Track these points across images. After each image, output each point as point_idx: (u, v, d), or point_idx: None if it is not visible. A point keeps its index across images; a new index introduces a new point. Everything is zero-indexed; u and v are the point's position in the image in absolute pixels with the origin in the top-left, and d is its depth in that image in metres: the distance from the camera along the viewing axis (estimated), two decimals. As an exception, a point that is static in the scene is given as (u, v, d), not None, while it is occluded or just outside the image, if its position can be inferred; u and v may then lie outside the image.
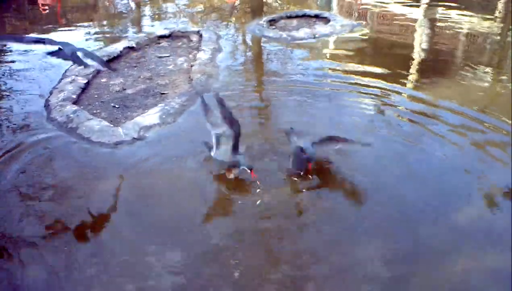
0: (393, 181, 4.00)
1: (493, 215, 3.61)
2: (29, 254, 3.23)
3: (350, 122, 4.96)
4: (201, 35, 7.53)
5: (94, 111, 5.18)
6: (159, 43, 7.35)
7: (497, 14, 9.57)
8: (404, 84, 5.93)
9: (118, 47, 6.86)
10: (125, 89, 5.72)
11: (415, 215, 3.59)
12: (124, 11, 9.78)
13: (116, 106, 5.31)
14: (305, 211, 3.65)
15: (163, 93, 5.62)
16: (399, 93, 5.67)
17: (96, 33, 8.20)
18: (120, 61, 6.60)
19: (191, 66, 6.33)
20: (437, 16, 9.23)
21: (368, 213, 3.60)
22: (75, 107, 5.11)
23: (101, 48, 7.11)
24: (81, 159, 4.30)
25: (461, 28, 8.42)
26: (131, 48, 6.96)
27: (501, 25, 8.75)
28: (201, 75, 5.99)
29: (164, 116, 4.96)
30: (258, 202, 3.67)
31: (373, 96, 5.53)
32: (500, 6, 10.17)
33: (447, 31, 8.27)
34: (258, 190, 3.81)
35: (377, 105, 5.34)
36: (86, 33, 8.10)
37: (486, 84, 6.01)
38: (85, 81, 5.83)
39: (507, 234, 3.33)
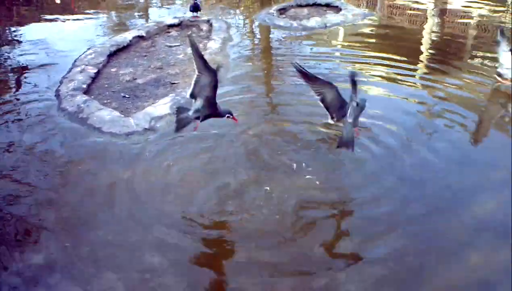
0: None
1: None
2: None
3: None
4: (211, 24, 7.46)
5: (105, 101, 5.13)
6: (169, 32, 7.29)
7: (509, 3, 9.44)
8: (412, 73, 5.87)
9: (127, 36, 6.80)
10: (135, 79, 5.67)
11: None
12: (133, -1, 9.72)
13: (127, 96, 5.26)
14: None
15: (174, 83, 5.57)
16: (414, 83, 5.61)
17: (105, 22, 8.15)
18: (130, 51, 6.55)
19: (202, 55, 6.26)
20: (448, 5, 9.10)
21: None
22: (85, 97, 5.07)
23: (110, 37, 7.05)
24: (91, 150, 4.27)
25: (473, 17, 8.31)
26: (140, 38, 6.90)
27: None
28: (211, 65, 5.90)
29: (175, 106, 4.90)
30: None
31: (386, 81, 5.46)
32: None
33: (458, 21, 8.16)
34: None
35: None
36: (95, 23, 8.05)
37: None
38: (95, 70, 5.78)
39: None
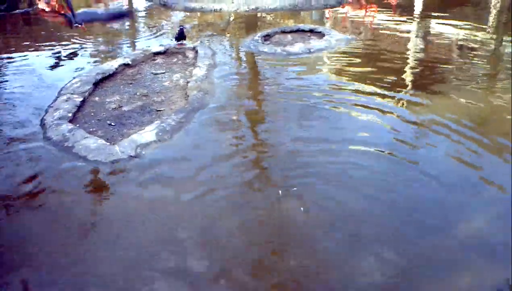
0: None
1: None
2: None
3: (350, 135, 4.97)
4: (196, 51, 7.55)
5: (90, 129, 5.16)
6: (155, 60, 7.36)
7: (489, 25, 9.69)
8: (397, 94, 5.97)
9: (113, 64, 6.86)
10: (121, 106, 5.71)
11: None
12: (120, 27, 9.80)
13: (112, 124, 5.29)
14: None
15: (159, 110, 5.61)
16: (393, 103, 5.71)
17: (92, 49, 8.20)
18: (116, 79, 6.59)
19: (187, 82, 6.34)
20: (430, 28, 9.30)
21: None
22: (71, 125, 5.09)
23: (97, 65, 7.10)
24: (76, 179, 4.28)
25: (454, 39, 8.50)
26: (126, 65, 6.96)
27: (494, 36, 8.84)
28: (197, 92, 5.99)
29: (160, 133, 4.94)
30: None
31: (371, 109, 5.56)
32: (491, 17, 10.29)
33: (440, 43, 8.35)
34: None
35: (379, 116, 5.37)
36: (83, 50, 8.10)
37: (482, 97, 6.03)
38: (81, 99, 5.81)
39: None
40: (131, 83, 6.44)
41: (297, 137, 4.96)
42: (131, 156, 4.55)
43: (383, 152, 4.66)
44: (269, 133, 5.21)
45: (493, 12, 11.04)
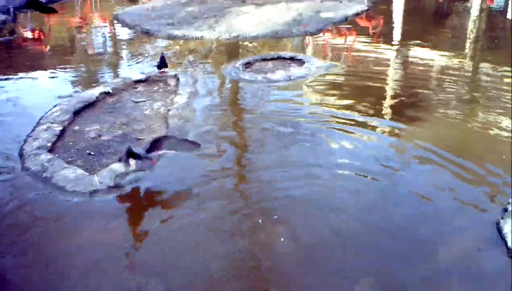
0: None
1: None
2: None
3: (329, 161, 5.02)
4: (178, 79, 7.59)
5: (69, 159, 5.13)
6: (136, 88, 7.37)
7: (466, 52, 9.93)
8: (379, 120, 6.06)
9: (94, 93, 6.85)
10: (100, 135, 5.70)
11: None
12: (101, 54, 9.82)
13: (92, 153, 5.27)
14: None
15: (140, 139, 5.62)
16: (374, 128, 5.81)
17: (72, 77, 8.19)
18: (96, 107, 6.58)
19: (168, 110, 6.36)
20: (409, 55, 9.48)
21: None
22: (49, 155, 5.07)
23: (77, 93, 7.09)
24: (53, 211, 4.25)
25: (432, 65, 8.69)
26: (107, 94, 6.95)
27: (471, 62, 9.04)
28: (178, 120, 6.01)
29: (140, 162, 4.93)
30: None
31: (352, 134, 5.64)
32: (468, 44, 10.55)
33: (419, 69, 8.52)
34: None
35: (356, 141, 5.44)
36: (64, 78, 8.09)
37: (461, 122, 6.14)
38: (61, 128, 5.78)
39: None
40: (111, 112, 6.44)
41: (278, 164, 5.00)
42: (110, 186, 4.53)
43: (364, 176, 4.74)
44: (250, 160, 5.25)
45: (469, 39, 11.31)
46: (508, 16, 10.81)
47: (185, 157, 5.19)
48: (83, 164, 5.05)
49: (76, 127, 5.96)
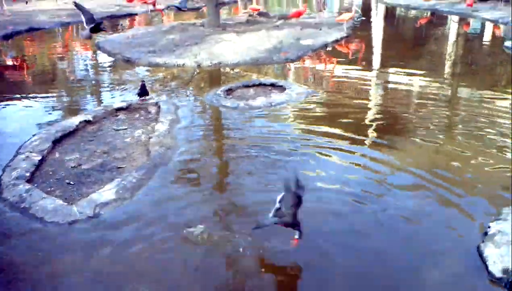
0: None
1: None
2: None
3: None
4: (159, 106, 7.58)
5: (48, 189, 5.06)
6: (117, 116, 7.34)
7: (445, 76, 10.12)
8: (360, 145, 6.11)
9: (74, 121, 6.80)
10: (80, 164, 5.63)
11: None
12: (83, 82, 9.77)
13: (71, 183, 5.21)
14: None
15: (120, 167, 5.57)
16: (354, 153, 5.86)
17: (53, 105, 8.13)
18: (76, 136, 6.53)
19: (149, 138, 6.33)
20: (389, 79, 9.62)
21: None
22: (28, 185, 4.99)
23: (57, 121, 7.03)
24: (30, 242, 4.16)
25: (412, 89, 8.84)
26: (87, 122, 6.91)
27: (449, 87, 9.21)
28: (159, 147, 5.98)
29: (121, 191, 4.89)
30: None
31: (333, 158, 5.66)
32: (447, 69, 10.76)
33: (399, 93, 8.65)
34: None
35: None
36: (45, 106, 8.03)
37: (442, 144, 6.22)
38: (40, 157, 5.71)
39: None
40: (91, 140, 6.39)
41: (260, 190, 4.99)
42: (89, 217, 4.47)
43: (348, 200, 4.77)
44: (232, 188, 5.23)
45: (448, 63, 11.55)
46: (508, 44, 11.07)
47: (167, 185, 5.16)
48: (62, 193, 4.97)
49: (56, 157, 5.89)
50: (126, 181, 5.11)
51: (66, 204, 4.67)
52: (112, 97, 8.50)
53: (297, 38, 12.09)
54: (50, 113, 7.61)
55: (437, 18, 17.48)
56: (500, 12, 16.39)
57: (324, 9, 17.44)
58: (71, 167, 5.58)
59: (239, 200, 4.92)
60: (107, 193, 4.86)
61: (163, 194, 4.98)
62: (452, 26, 16.57)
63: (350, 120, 7.11)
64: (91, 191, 4.98)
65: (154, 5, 15.97)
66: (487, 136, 6.43)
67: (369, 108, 7.79)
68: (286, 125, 7.04)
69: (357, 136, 6.44)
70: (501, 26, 15.31)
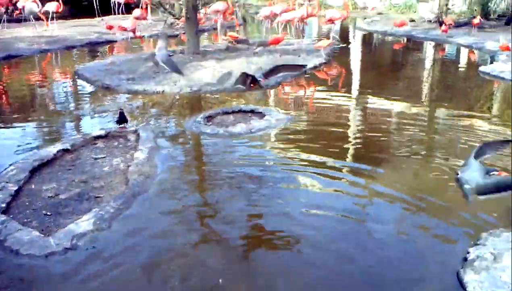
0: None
1: None
2: None
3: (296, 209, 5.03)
4: (138, 134, 7.54)
5: (25, 220, 4.97)
6: (96, 144, 7.28)
7: (422, 100, 10.33)
8: (340, 171, 6.15)
9: (52, 150, 6.72)
10: (58, 194, 5.56)
11: None
12: (61, 110, 9.70)
13: (48, 213, 5.13)
14: None
15: (98, 197, 5.51)
16: (334, 177, 5.90)
17: (30, 134, 8.04)
18: (54, 165, 6.45)
19: (128, 166, 6.29)
20: (368, 104, 9.76)
21: None
22: (3, 217, 4.89)
23: (35, 150, 6.94)
24: (5, 276, 4.07)
25: (391, 114, 8.98)
26: (65, 151, 6.83)
27: (428, 111, 9.39)
28: (138, 176, 5.94)
29: (98, 222, 4.83)
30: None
31: (314, 183, 5.71)
32: (424, 94, 10.97)
33: (378, 118, 8.77)
34: None
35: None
36: (20, 135, 7.93)
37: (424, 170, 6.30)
38: (16, 187, 5.62)
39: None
40: (69, 169, 6.32)
41: (242, 220, 4.99)
42: (66, 248, 4.39)
43: (327, 225, 4.80)
44: (213, 216, 5.20)
45: (426, 88, 11.79)
46: (508, 76, 11.34)
47: (145, 214, 5.12)
48: (39, 224, 4.89)
49: (33, 187, 5.81)
50: (104, 210, 5.05)
51: (42, 235, 4.59)
52: (91, 125, 8.44)
53: (276, 65, 12.21)
54: (28, 142, 7.51)
55: (413, 44, 17.84)
56: (474, 38, 16.80)
57: (303, 36, 17.67)
58: (49, 197, 5.50)
59: (220, 228, 4.89)
60: (84, 223, 4.79)
61: (141, 224, 4.93)
62: (428, 51, 16.93)
63: (329, 145, 7.17)
64: (68, 221, 4.91)
65: (134, 32, 15.98)
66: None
67: (349, 133, 7.88)
68: (266, 152, 7.07)
69: (336, 161, 6.49)
70: (475, 52, 15.69)
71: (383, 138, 7.57)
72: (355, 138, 7.63)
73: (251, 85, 10.25)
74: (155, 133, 7.70)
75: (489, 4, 20.88)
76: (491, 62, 13.29)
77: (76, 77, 12.07)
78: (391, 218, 5.06)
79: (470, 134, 7.61)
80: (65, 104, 10.25)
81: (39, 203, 5.37)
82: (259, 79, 10.36)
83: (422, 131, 7.98)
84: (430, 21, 20.34)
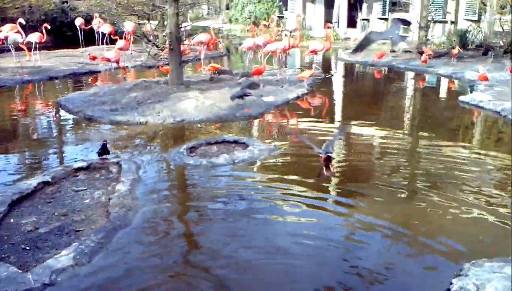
0: None
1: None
2: None
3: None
4: (120, 166, 7.49)
5: (2, 255, 4.87)
6: (77, 176, 7.21)
7: (404, 129, 10.48)
8: (323, 200, 6.19)
9: (32, 183, 6.63)
10: (37, 228, 5.47)
11: None
12: (42, 141, 9.61)
13: (27, 248, 5.03)
14: None
15: (78, 231, 5.43)
16: (318, 207, 5.96)
17: (10, 166, 7.94)
18: (34, 198, 6.36)
19: (109, 199, 6.22)
20: (350, 133, 9.85)
21: None
22: (-20, 253, 4.80)
23: (14, 183, 6.84)
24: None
25: (374, 143, 9.08)
26: (46, 183, 6.75)
27: (410, 140, 9.52)
28: (119, 209, 5.88)
29: (78, 256, 4.75)
30: None
31: (297, 213, 5.69)
32: (406, 123, 11.13)
33: (361, 147, 8.86)
34: None
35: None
36: (0, 166, 7.83)
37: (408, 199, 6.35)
38: (-6, 222, 5.52)
39: None
40: (50, 202, 6.23)
41: (225, 255, 4.95)
42: (45, 284, 4.31)
43: (313, 253, 4.79)
44: (197, 251, 5.17)
45: (407, 117, 11.96)
46: (486, 106, 11.55)
47: (127, 249, 5.05)
48: (17, 260, 4.80)
49: (12, 220, 5.71)
50: (84, 245, 4.98)
51: (20, 271, 4.50)
52: (73, 157, 8.36)
53: (259, 95, 12.29)
54: (8, 174, 7.42)
55: (395, 74, 18.13)
56: (453, 68, 17.12)
57: (286, 66, 17.87)
58: (28, 231, 5.41)
59: (204, 263, 4.83)
60: (64, 258, 4.71)
61: (121, 259, 4.86)
62: (409, 81, 17.22)
63: (312, 175, 7.18)
64: (47, 256, 4.82)
65: (117, 63, 16.02)
66: (449, 188, 6.61)
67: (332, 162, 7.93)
68: (249, 182, 7.06)
69: (320, 191, 6.52)
70: (455, 81, 15.99)
71: (365, 167, 7.63)
72: (338, 167, 7.66)
73: None
74: (137, 164, 7.65)
75: (467, 35, 21.36)
76: (471, 92, 13.54)
77: (59, 108, 12.01)
78: (373, 247, 5.07)
79: (451, 163, 7.70)
80: (47, 135, 10.18)
81: (17, 237, 5.27)
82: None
83: (404, 161, 8.07)
84: (410, 51, 20.72)
